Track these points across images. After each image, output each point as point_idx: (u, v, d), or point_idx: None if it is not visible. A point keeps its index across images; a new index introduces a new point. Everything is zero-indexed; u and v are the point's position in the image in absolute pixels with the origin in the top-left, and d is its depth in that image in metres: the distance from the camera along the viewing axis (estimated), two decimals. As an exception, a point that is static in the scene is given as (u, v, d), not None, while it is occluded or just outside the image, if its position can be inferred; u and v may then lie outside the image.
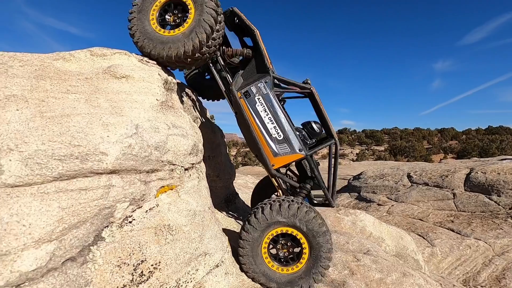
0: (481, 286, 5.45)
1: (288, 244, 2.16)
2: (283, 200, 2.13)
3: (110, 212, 1.39)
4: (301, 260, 2.10)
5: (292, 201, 2.13)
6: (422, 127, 43.35)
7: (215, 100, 3.41)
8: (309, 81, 2.52)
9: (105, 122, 1.47)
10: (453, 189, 8.68)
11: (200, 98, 3.40)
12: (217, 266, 1.97)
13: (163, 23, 2.23)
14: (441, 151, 30.69)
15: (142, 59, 2.14)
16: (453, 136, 38.72)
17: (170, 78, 2.21)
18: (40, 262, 1.11)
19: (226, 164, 3.62)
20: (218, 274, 1.94)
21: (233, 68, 2.81)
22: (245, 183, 7.59)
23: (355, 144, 38.64)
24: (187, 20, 2.14)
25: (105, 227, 1.38)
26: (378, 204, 9.32)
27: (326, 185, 2.54)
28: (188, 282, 1.72)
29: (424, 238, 6.73)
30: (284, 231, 2.09)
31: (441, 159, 22.56)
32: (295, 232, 2.08)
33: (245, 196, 4.94)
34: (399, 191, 9.66)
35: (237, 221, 3.29)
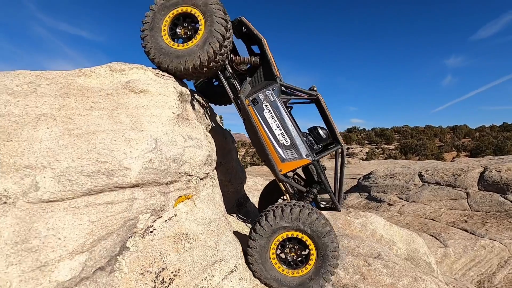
0: (496, 287, 5.37)
1: (296, 247, 2.22)
2: (285, 205, 2.19)
3: (133, 223, 1.49)
4: (309, 262, 2.15)
5: (294, 205, 2.18)
6: (433, 125, 42.53)
7: (225, 105, 3.48)
8: (315, 88, 2.58)
9: (127, 138, 1.57)
10: (466, 188, 8.54)
11: (210, 103, 3.48)
12: (232, 271, 2.05)
13: (173, 36, 2.31)
14: (453, 149, 30.02)
15: (157, 73, 2.24)
16: (466, 133, 37.79)
17: (184, 89, 2.30)
18: (74, 272, 1.21)
19: (237, 169, 3.70)
20: (233, 279, 2.02)
21: (240, 75, 2.88)
22: (254, 185, 7.67)
23: (365, 143, 38.19)
24: (199, 31, 2.21)
25: (129, 237, 1.47)
26: (389, 204, 9.25)
27: (333, 189, 2.59)
28: (205, 288, 1.80)
29: (436, 238, 6.66)
30: (289, 235, 2.14)
31: (453, 158, 22.10)
32: (300, 235, 2.13)
33: (256, 199, 5.00)
34: (410, 190, 9.56)
35: (248, 225, 3.36)
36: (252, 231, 2.17)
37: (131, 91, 1.97)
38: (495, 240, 6.39)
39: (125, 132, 1.61)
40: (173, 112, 1.99)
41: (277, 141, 2.38)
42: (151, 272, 1.51)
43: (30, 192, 1.26)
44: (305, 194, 2.63)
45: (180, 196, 1.84)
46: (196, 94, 3.13)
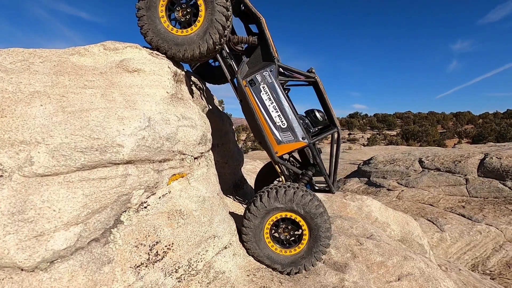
0: (490, 271, 5.51)
1: (289, 227, 2.27)
2: (279, 186, 2.22)
3: (127, 199, 1.53)
4: (302, 241, 2.21)
5: (288, 186, 2.21)
6: (436, 111, 42.18)
7: (224, 83, 3.45)
8: (313, 70, 2.55)
9: (120, 116, 1.59)
10: (465, 175, 8.59)
11: (207, 83, 3.46)
12: (225, 247, 2.12)
13: (170, 17, 2.23)
14: (455, 135, 29.88)
15: (152, 52, 2.22)
16: (469, 120, 37.48)
17: (179, 70, 2.29)
18: (69, 242, 1.27)
19: (234, 151, 3.74)
20: (226, 255, 2.09)
21: (237, 55, 2.84)
22: (253, 168, 7.73)
23: (366, 128, 38.04)
24: (199, 18, 2.13)
25: (123, 212, 1.53)
26: (388, 189, 9.35)
27: (328, 172, 2.62)
28: (198, 262, 1.88)
29: (433, 223, 6.77)
30: (283, 216, 2.19)
31: (455, 144, 22.03)
32: (293, 216, 2.17)
33: (253, 181, 5.08)
34: (409, 176, 9.63)
35: (244, 205, 3.44)
36: (247, 211, 2.22)
37: (125, 70, 1.97)
38: (491, 226, 6.49)
39: (118, 110, 1.62)
40: (167, 92, 2.00)
41: (274, 123, 2.38)
42: (145, 245, 1.57)
43: (25, 166, 1.29)
44: (300, 176, 2.66)
45: (174, 174, 1.88)
46: (192, 76, 3.11)
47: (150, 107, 1.80)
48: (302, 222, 2.18)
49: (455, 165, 9.11)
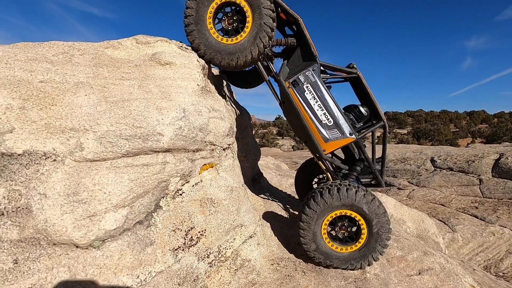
0: (503, 273, 5.44)
1: (345, 225, 2.26)
2: (340, 184, 2.22)
3: (165, 185, 1.61)
4: (359, 240, 2.21)
5: (349, 185, 2.20)
6: (449, 110, 41.31)
7: (253, 87, 3.45)
8: (355, 66, 2.53)
9: (158, 106, 1.66)
10: (479, 175, 8.46)
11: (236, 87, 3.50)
12: (250, 237, 2.19)
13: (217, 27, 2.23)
14: (469, 135, 29.29)
15: (181, 46, 2.28)
16: (483, 119, 36.63)
17: (206, 64, 2.35)
18: (118, 223, 1.35)
19: (252, 145, 3.80)
20: (252, 244, 2.16)
21: (269, 57, 2.84)
22: (266, 164, 7.79)
23: (376, 127, 37.52)
24: (247, 24, 2.14)
25: (162, 198, 1.60)
26: (398, 188, 9.27)
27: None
28: (227, 249, 1.95)
29: (445, 223, 6.71)
30: (343, 214, 2.18)
31: (468, 144, 21.61)
32: (353, 214, 2.17)
33: (268, 176, 5.14)
34: (421, 175, 9.53)
35: (262, 198, 3.50)
36: (306, 207, 2.21)
37: (158, 63, 2.03)
38: (505, 227, 6.39)
39: (156, 101, 1.70)
40: (197, 84, 2.06)
41: (320, 121, 2.37)
42: (181, 230, 1.65)
43: (76, 151, 1.38)
44: (348, 172, 2.62)
45: (205, 164, 1.95)
46: (214, 70, 3.17)
47: (183, 99, 1.86)
48: (361, 221, 2.18)
49: (469, 165, 8.98)
